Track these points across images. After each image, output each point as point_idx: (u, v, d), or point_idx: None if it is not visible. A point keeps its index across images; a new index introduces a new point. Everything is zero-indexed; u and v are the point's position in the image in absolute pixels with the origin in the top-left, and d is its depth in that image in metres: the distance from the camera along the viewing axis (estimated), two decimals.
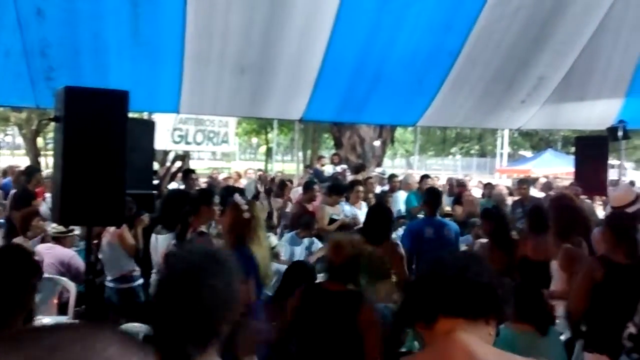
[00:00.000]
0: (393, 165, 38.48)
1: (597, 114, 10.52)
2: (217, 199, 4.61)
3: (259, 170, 17.84)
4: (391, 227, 5.26)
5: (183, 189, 7.23)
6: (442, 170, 33.08)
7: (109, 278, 5.29)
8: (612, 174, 10.40)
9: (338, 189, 7.58)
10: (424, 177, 9.86)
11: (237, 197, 3.78)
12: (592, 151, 8.43)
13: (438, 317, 1.44)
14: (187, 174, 8.07)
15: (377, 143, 17.58)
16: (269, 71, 8.16)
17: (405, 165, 36.88)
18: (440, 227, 5.60)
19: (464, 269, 1.46)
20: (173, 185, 7.60)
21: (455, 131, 37.32)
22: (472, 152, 41.18)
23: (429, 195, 6.01)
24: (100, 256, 5.36)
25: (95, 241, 4.75)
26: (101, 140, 4.00)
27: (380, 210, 5.30)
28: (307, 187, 8.18)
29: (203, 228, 4.53)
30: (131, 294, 5.19)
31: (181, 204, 4.50)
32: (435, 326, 1.45)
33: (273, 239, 5.87)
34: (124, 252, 5.19)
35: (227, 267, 1.54)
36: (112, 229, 5.11)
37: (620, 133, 9.27)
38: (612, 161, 11.17)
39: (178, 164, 8.05)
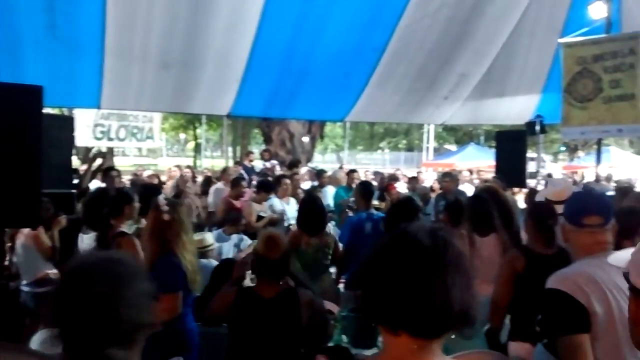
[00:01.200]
0: (324, 160, 38.80)
1: (516, 109, 10.98)
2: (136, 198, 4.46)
3: (188, 167, 17.51)
4: (326, 216, 5.29)
5: (105, 187, 6.99)
6: (371, 165, 33.59)
7: (24, 282, 5.05)
8: (530, 167, 10.86)
9: (266, 186, 7.54)
10: (351, 171, 9.96)
11: (160, 198, 3.63)
12: (511, 145, 8.78)
13: (403, 332, 1.31)
14: (108, 171, 7.82)
15: (306, 138, 17.64)
16: (194, 66, 8.02)
17: (335, 160, 37.18)
18: (377, 222, 5.64)
19: (452, 299, 1.27)
20: (95, 184, 7.34)
21: (383, 126, 38.03)
22: (400, 146, 42.05)
23: (363, 189, 6.03)
24: (14, 259, 5.11)
25: (9, 243, 4.52)
26: (14, 137, 3.84)
27: (313, 201, 5.31)
28: (235, 183, 8.10)
29: (124, 228, 4.38)
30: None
31: (103, 203, 4.34)
32: (398, 336, 1.32)
33: (209, 238, 5.70)
34: (39, 254, 4.97)
35: (136, 271, 1.49)
36: (26, 230, 4.88)
37: (537, 127, 9.71)
38: (530, 154, 11.67)
39: (99, 161, 7.78)
